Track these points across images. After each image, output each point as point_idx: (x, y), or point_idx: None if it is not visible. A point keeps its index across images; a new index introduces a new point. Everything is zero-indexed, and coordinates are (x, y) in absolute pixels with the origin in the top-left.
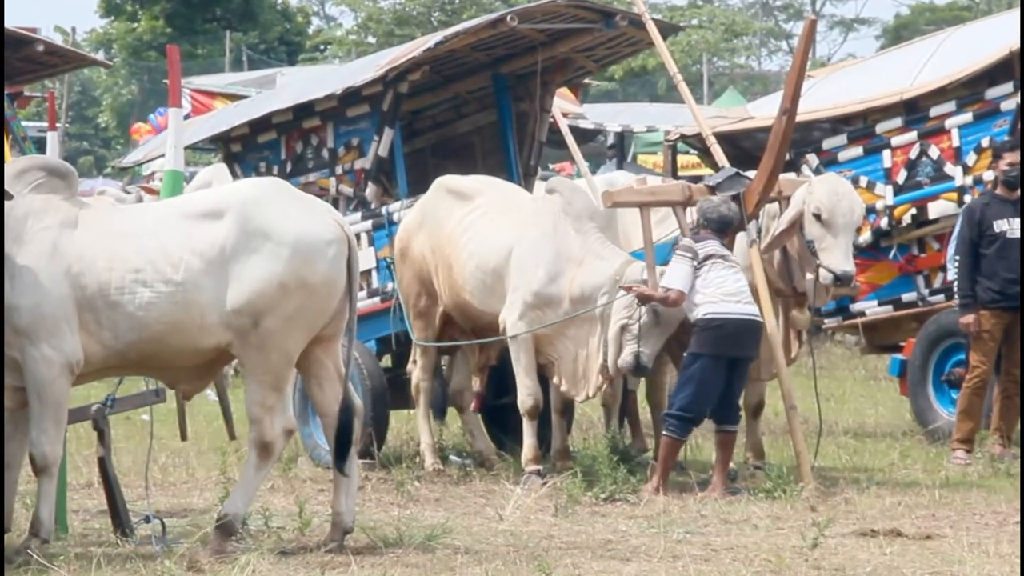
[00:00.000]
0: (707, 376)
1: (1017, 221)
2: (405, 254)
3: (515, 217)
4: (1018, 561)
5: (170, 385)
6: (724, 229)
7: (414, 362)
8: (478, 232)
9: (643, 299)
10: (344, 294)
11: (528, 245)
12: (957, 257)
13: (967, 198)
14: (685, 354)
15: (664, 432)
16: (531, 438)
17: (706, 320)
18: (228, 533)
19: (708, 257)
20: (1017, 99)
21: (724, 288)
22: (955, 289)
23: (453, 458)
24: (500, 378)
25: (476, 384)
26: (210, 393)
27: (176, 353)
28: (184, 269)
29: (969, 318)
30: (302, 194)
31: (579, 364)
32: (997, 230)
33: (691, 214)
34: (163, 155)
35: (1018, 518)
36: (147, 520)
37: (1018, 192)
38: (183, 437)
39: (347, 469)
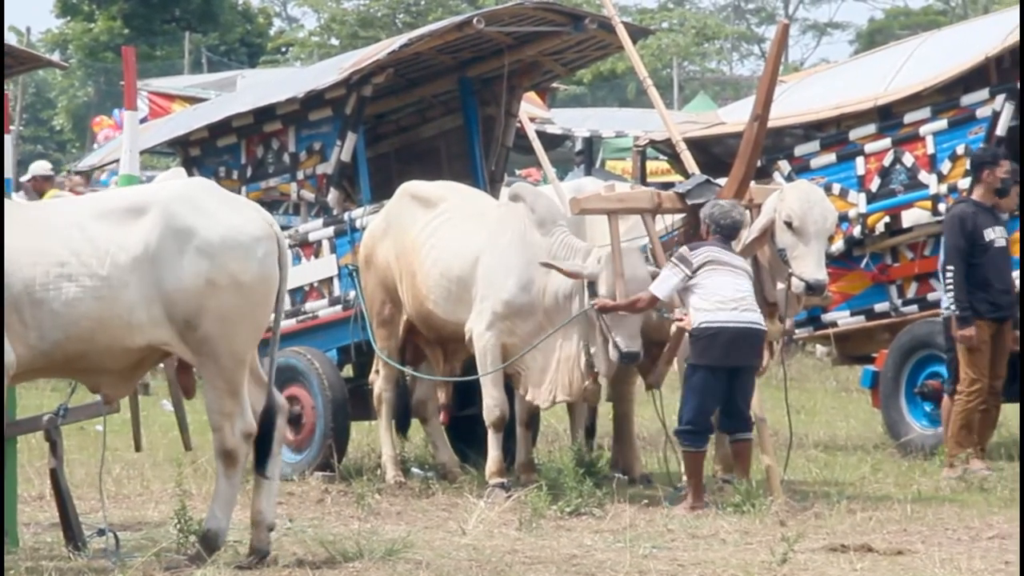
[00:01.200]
0: (707, 387)
1: (1001, 229)
2: (369, 261)
3: (480, 223)
4: None
5: (93, 389)
6: (735, 235)
7: (376, 372)
8: (442, 239)
9: (605, 310)
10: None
11: (497, 253)
12: (950, 268)
13: (941, 207)
14: (687, 364)
15: (681, 448)
16: (496, 450)
17: (701, 329)
18: (211, 548)
19: (705, 263)
20: (992, 106)
21: (721, 295)
22: (948, 301)
23: (415, 470)
24: (464, 389)
25: (442, 395)
26: (165, 403)
27: (104, 353)
28: (110, 264)
29: (970, 331)
30: (229, 193)
31: (547, 373)
32: (987, 239)
33: (662, 221)
34: (119, 159)
35: (990, 534)
36: (100, 533)
37: (1001, 200)
38: (138, 448)
39: (268, 471)
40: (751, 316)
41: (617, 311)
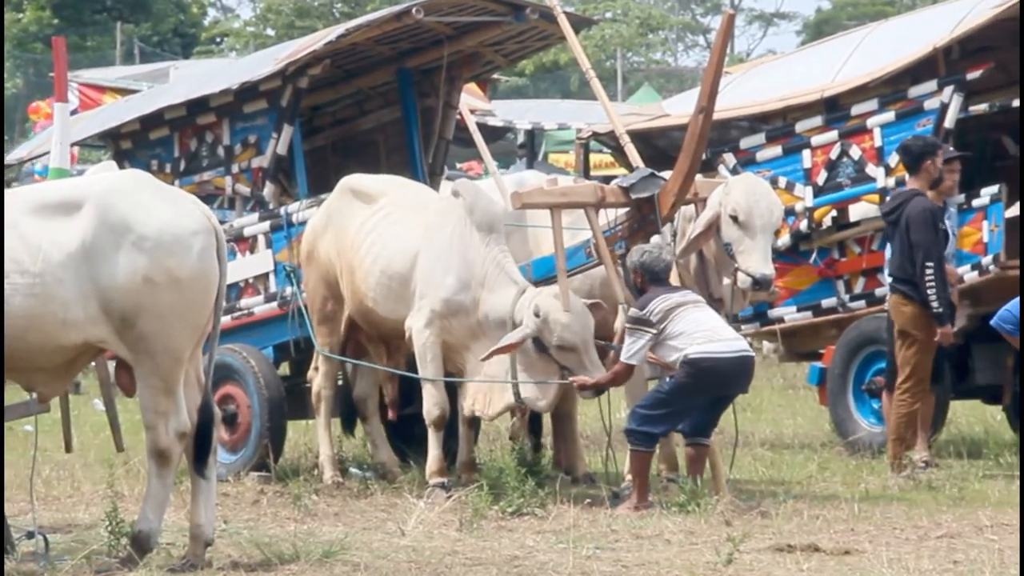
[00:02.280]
0: (685, 406)
1: (949, 221)
2: (311, 257)
3: (420, 219)
4: None
5: (26, 388)
6: (668, 275)
7: (315, 369)
8: (382, 235)
9: (585, 388)
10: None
11: (435, 250)
12: (929, 264)
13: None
14: (670, 377)
15: (630, 448)
16: (436, 449)
17: (696, 359)
18: (143, 550)
19: (667, 312)
20: (941, 97)
21: (706, 327)
22: (931, 298)
23: (353, 470)
24: (403, 388)
25: (388, 392)
26: (97, 402)
27: (37, 351)
28: (42, 260)
29: (949, 329)
30: (165, 185)
31: (482, 383)
32: (947, 233)
33: (605, 216)
34: (48, 152)
35: (939, 533)
36: (30, 536)
37: (935, 189)
38: (68, 448)
39: (207, 472)
40: (742, 344)
41: (598, 387)
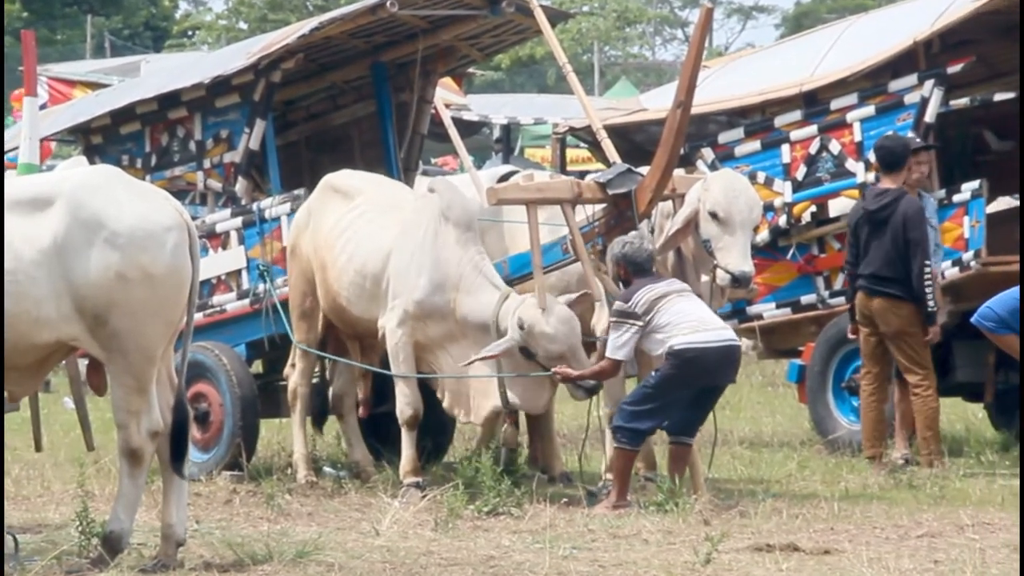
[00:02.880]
0: (672, 399)
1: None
2: (293, 252)
3: (395, 218)
4: None
5: None
6: (652, 265)
7: (292, 366)
8: (356, 233)
9: (568, 379)
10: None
11: (409, 250)
12: (927, 263)
13: None
14: (656, 371)
15: (615, 445)
16: (410, 449)
17: (681, 350)
18: (114, 550)
19: (652, 304)
20: (921, 92)
21: (692, 317)
22: (929, 297)
23: (327, 470)
24: (377, 387)
25: (360, 390)
26: (67, 401)
27: (10, 349)
28: (14, 257)
29: (939, 329)
30: (137, 180)
31: (461, 384)
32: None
33: (583, 211)
34: (17, 147)
35: (919, 532)
36: None
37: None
38: (38, 448)
39: (184, 470)
40: (728, 333)
41: (582, 379)
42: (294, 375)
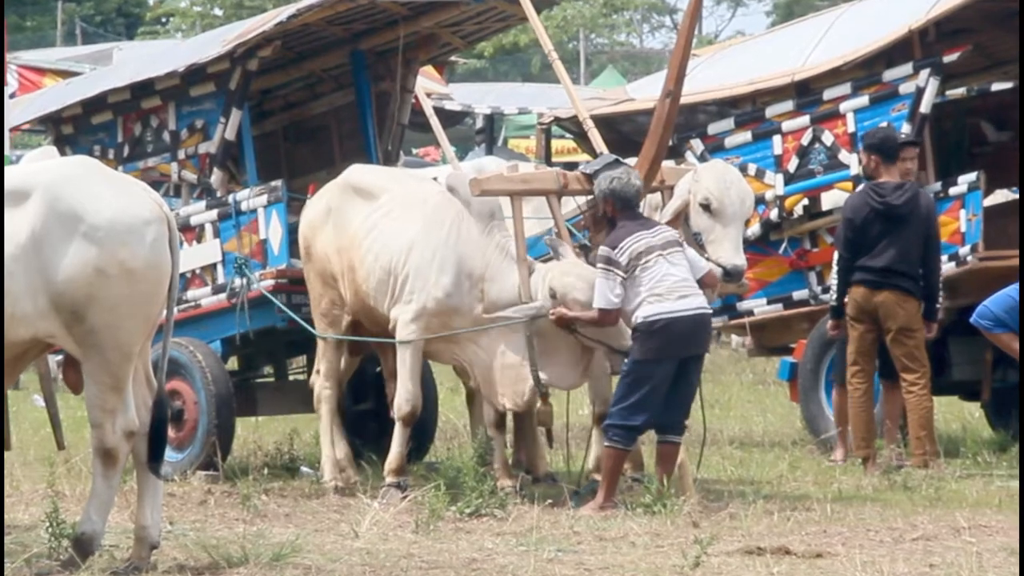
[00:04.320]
0: (654, 381)
1: None
2: (309, 251)
3: (418, 213)
4: None
5: None
6: (639, 201)
7: (317, 372)
8: (382, 233)
9: (562, 323)
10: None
11: (431, 247)
12: (940, 259)
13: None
14: (626, 360)
15: (607, 443)
16: (400, 447)
17: (647, 323)
18: (85, 553)
19: (636, 258)
20: (916, 81)
21: (667, 283)
22: (940, 294)
23: (304, 470)
24: (358, 383)
25: (391, 390)
26: (37, 398)
27: None
28: None
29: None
30: (115, 172)
31: (494, 373)
32: None
33: (569, 203)
34: None
35: (914, 535)
36: None
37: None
38: (6, 446)
39: (163, 471)
40: (698, 301)
41: (577, 322)
42: (319, 378)
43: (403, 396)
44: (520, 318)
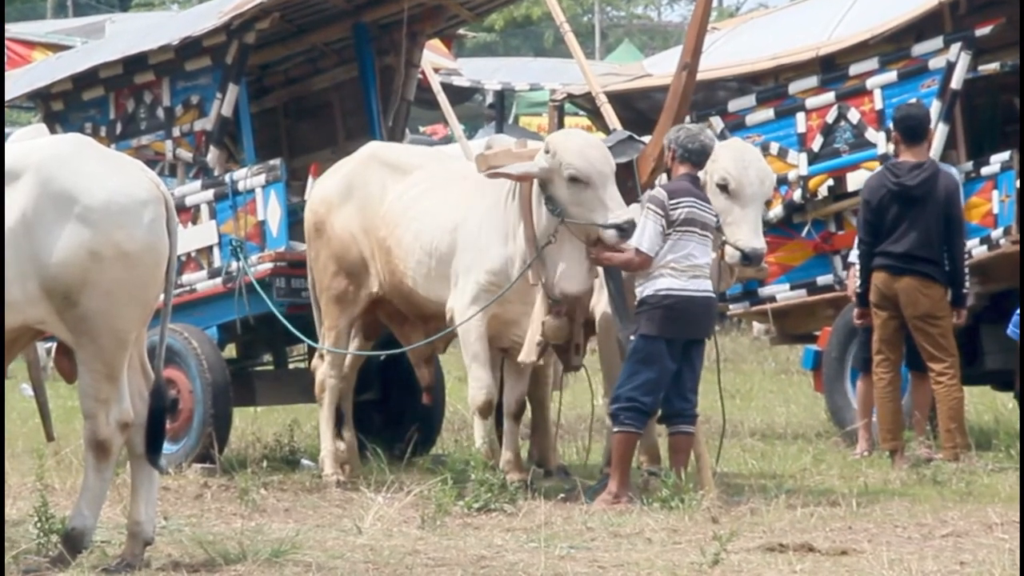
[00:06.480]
0: (664, 361)
1: None
2: (321, 230)
3: (459, 190)
4: None
5: None
6: (704, 161)
7: (320, 357)
8: (422, 211)
9: (599, 262)
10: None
11: (476, 223)
12: (965, 242)
13: None
14: (636, 336)
15: (616, 428)
16: (482, 441)
17: (659, 297)
18: (76, 548)
19: (681, 222)
20: (947, 56)
21: (685, 263)
22: (966, 279)
23: (305, 463)
24: (360, 372)
25: (423, 376)
26: (25, 387)
27: None
28: None
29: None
30: (110, 151)
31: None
32: None
33: None
34: None
35: (944, 531)
36: None
37: None
38: None
39: (161, 463)
40: (705, 284)
41: (612, 263)
42: (322, 366)
43: (475, 386)
44: (515, 174)
